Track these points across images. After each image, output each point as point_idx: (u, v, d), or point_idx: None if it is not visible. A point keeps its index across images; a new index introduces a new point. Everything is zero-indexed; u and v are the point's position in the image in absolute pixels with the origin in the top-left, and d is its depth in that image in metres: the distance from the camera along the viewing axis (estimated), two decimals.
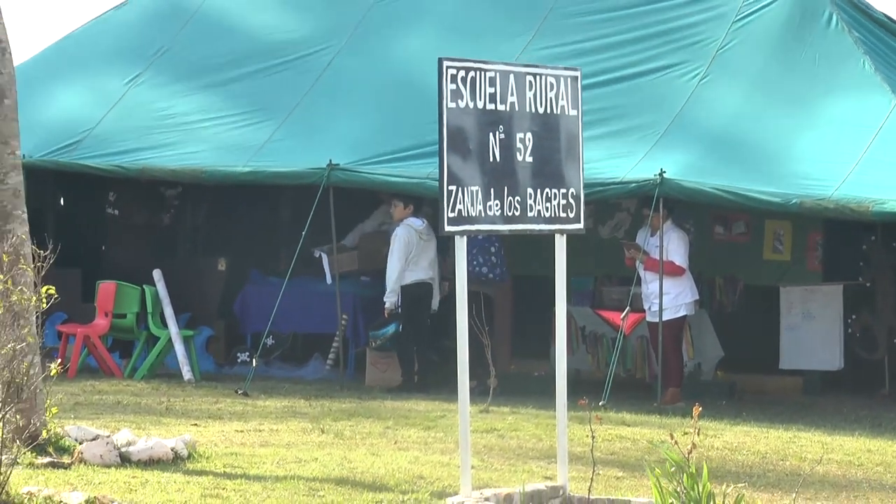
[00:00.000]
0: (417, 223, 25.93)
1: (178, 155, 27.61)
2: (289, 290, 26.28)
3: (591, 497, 15.03)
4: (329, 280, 27.44)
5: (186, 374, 27.08)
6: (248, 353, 26.97)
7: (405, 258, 26.16)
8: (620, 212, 26.32)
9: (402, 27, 28.31)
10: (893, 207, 23.58)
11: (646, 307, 25.25)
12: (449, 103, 14.86)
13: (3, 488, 14.73)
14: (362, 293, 27.55)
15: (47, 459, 17.22)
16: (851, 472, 18.28)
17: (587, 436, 15.38)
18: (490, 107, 15.20)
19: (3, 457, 14.96)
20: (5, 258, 17.09)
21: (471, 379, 15.79)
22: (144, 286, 28.03)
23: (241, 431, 20.36)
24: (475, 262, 25.60)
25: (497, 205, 15.27)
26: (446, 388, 17.15)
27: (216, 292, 29.13)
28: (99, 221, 28.94)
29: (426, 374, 25.13)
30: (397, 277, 26.29)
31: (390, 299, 26.39)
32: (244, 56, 29.24)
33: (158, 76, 29.18)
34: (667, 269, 25.08)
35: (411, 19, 28.36)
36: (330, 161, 26.05)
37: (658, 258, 25.07)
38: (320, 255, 27.43)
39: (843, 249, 27.57)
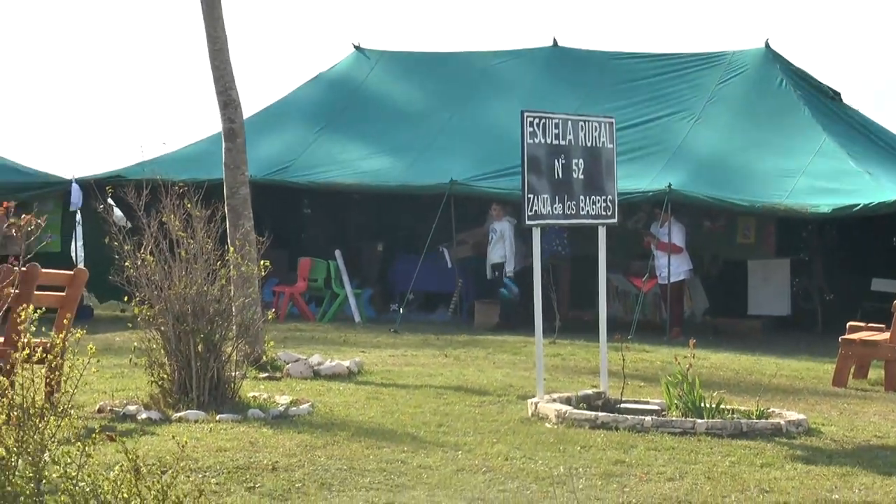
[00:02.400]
0: (512, 220, 25.94)
1: (350, 174, 27.78)
2: (423, 263, 26.40)
3: (623, 398, 15.09)
4: (449, 266, 27.54)
5: (356, 318, 27.20)
6: (397, 305, 27.03)
7: (511, 243, 26.27)
8: (640, 211, 26.28)
9: (495, 92, 28.39)
10: (823, 209, 23.68)
11: (658, 274, 25.23)
12: (528, 140, 14.99)
13: (236, 393, 14.85)
14: (471, 266, 27.57)
15: (265, 374, 17.35)
16: (796, 384, 18.23)
17: (620, 359, 15.37)
18: (555, 142, 15.31)
19: (237, 372, 15.09)
20: (237, 243, 17.27)
21: (543, 321, 15.86)
22: (329, 261, 28.22)
23: (392, 356, 20.41)
24: (553, 243, 25.71)
25: (560, 207, 15.38)
26: (527, 327, 17.15)
27: (375, 265, 29.23)
28: (298, 218, 29.02)
29: (514, 318, 25.12)
30: (513, 255, 26.39)
31: (509, 267, 26.46)
32: (391, 114, 29.36)
33: (334, 127, 29.29)
34: (671, 249, 25.14)
35: (502, 87, 28.43)
36: (451, 179, 26.16)
37: (665, 242, 25.13)
38: (443, 250, 27.53)
39: (789, 236, 27.51)
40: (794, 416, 14.27)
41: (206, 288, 14.84)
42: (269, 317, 17.13)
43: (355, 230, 29.14)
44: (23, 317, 7.01)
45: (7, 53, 68.33)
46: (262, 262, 16.46)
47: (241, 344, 15.63)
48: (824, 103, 27.27)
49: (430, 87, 30.26)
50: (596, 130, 15.89)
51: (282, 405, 14.68)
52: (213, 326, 14.83)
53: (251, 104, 23.21)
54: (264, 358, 17.57)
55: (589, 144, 15.75)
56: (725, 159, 25.95)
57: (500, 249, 26.61)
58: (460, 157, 27.07)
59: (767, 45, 28.03)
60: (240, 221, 18.76)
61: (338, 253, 28.09)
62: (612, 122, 16.34)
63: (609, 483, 11.24)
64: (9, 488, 5.50)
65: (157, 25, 68.83)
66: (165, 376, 14.73)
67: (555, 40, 30.03)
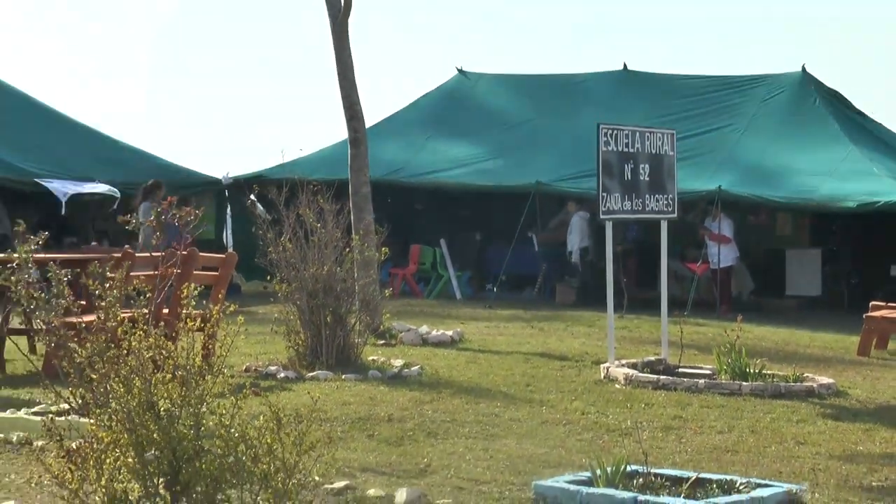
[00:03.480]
0: (586, 214, 25.88)
1: (453, 175, 27.83)
2: (513, 250, 26.42)
3: (680, 364, 15.02)
4: (537, 249, 27.52)
5: (458, 296, 27.24)
6: (491, 285, 27.03)
7: (585, 233, 26.26)
8: (696, 208, 26.11)
9: (574, 107, 28.28)
10: (850, 205, 23.48)
11: (709, 260, 25.11)
12: (603, 148, 14.96)
13: (359, 356, 14.92)
14: (552, 252, 27.50)
15: (382, 342, 17.38)
16: (826, 353, 18.06)
17: (678, 331, 15.30)
18: (625, 150, 15.27)
19: (359, 339, 15.15)
20: (360, 232, 17.33)
21: (613, 299, 15.82)
22: (435, 248, 28.29)
23: (487, 327, 20.41)
24: (626, 232, 25.69)
25: (628, 203, 15.33)
26: (601, 303, 17.11)
27: (473, 251, 29.21)
28: (410, 211, 29.08)
29: (589, 297, 25.05)
30: (580, 243, 26.41)
31: (576, 256, 26.50)
32: (487, 126, 29.39)
33: (440, 136, 29.34)
34: (721, 240, 25.02)
35: (580, 104, 28.32)
36: (537, 180, 26.17)
37: (716, 233, 25.01)
38: (532, 236, 27.51)
39: (821, 229, 27.28)
40: (824, 380, 14.16)
41: (334, 269, 14.96)
42: (386, 294, 17.23)
43: (457, 222, 29.12)
44: (185, 293, 7.07)
45: (173, 71, 68.86)
46: (381, 249, 16.57)
47: (362, 316, 15.69)
48: (852, 119, 27.07)
49: (520, 103, 30.32)
50: (659, 140, 15.84)
51: (396, 367, 14.73)
52: (339, 301, 14.94)
53: (372, 115, 23.34)
54: (382, 328, 17.64)
55: (653, 152, 15.70)
56: (767, 164, 25.76)
57: (575, 239, 26.63)
58: (544, 161, 27.05)
59: (804, 70, 27.81)
60: (362, 215, 18.85)
61: (442, 241, 28.19)
62: (672, 134, 16.29)
63: (668, 434, 11.22)
64: (174, 433, 5.56)
65: (294, 47, 69.12)
66: (300, 342, 14.85)
67: (625, 65, 30.00)
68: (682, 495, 8.33)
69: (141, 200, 22.35)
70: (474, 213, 28.93)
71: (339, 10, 19.51)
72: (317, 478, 7.30)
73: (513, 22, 67.57)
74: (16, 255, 12.27)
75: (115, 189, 26.39)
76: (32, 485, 8.16)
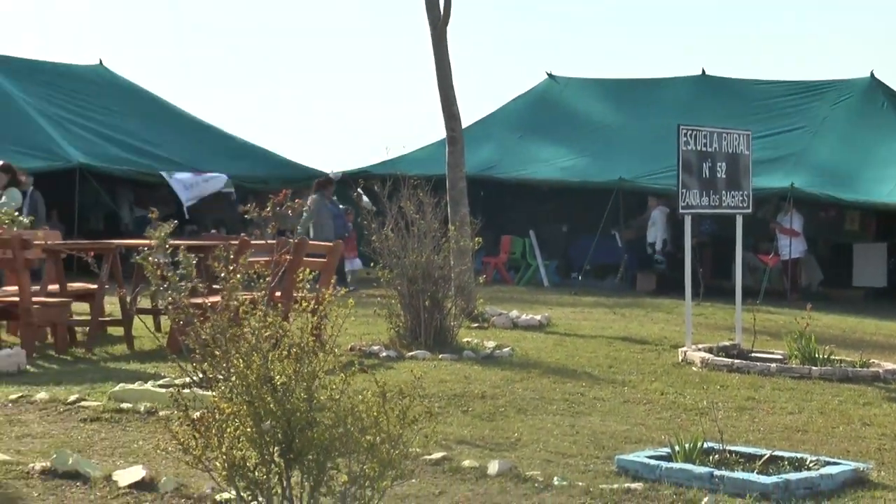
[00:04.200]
0: (665, 209, 25.76)
1: (542, 172, 27.86)
2: (597, 241, 26.41)
3: (753, 349, 14.91)
4: (618, 244, 27.44)
5: (545, 283, 27.21)
6: (576, 274, 26.98)
7: (664, 226, 26.18)
8: (769, 204, 25.87)
9: (656, 109, 28.13)
10: None
11: (781, 253, 24.93)
12: (682, 147, 14.88)
13: (454, 338, 14.94)
14: (634, 244, 27.40)
15: (476, 324, 17.39)
16: (891, 341, 17.85)
17: (751, 318, 15.20)
18: (703, 149, 15.17)
19: (455, 322, 15.18)
20: (456, 224, 17.36)
21: (691, 288, 15.74)
22: (525, 238, 28.30)
23: (573, 312, 20.38)
24: (702, 226, 25.54)
25: (706, 199, 15.24)
26: (679, 292, 17.05)
27: (560, 242, 29.16)
28: (502, 205, 29.09)
29: (668, 285, 24.94)
30: (660, 235, 26.32)
31: (658, 247, 26.42)
32: (573, 126, 29.38)
33: (530, 135, 29.36)
34: (791, 233, 24.82)
35: (661, 106, 28.17)
36: (620, 177, 26.10)
37: (787, 228, 24.81)
38: (615, 233, 27.45)
39: (886, 225, 26.95)
40: (889, 365, 13.98)
41: (432, 258, 14.99)
42: (480, 281, 17.24)
43: (545, 215, 29.09)
44: (298, 277, 7.14)
45: (286, 75, 69.33)
46: (475, 239, 16.60)
47: (458, 301, 15.74)
48: None
49: (604, 105, 30.27)
50: (736, 140, 15.71)
51: (489, 348, 14.75)
52: (437, 287, 14.97)
53: (468, 115, 23.40)
54: (475, 312, 17.67)
55: (730, 151, 15.57)
56: (836, 164, 25.48)
57: (655, 232, 26.54)
58: (627, 159, 26.96)
59: (872, 75, 27.48)
60: (458, 207, 18.87)
61: (532, 232, 28.19)
62: (748, 135, 16.16)
63: (742, 414, 11.14)
64: (288, 406, 5.60)
65: (397, 52, 69.46)
66: (401, 324, 14.91)
67: (703, 70, 29.84)
68: (756, 471, 8.28)
69: (312, 192, 22.92)
70: (561, 207, 28.88)
71: (439, 18, 19.59)
72: (417, 449, 7.36)
73: (599, 28, 67.41)
74: (143, 241, 12.45)
75: (231, 187, 26.76)
76: (159, 451, 8.28)
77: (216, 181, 27.07)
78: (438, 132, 24.29)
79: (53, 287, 15.24)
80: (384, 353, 14.26)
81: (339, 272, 18.14)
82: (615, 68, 73.14)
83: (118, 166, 26.81)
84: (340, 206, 24.05)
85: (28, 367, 12.70)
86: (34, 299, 14.00)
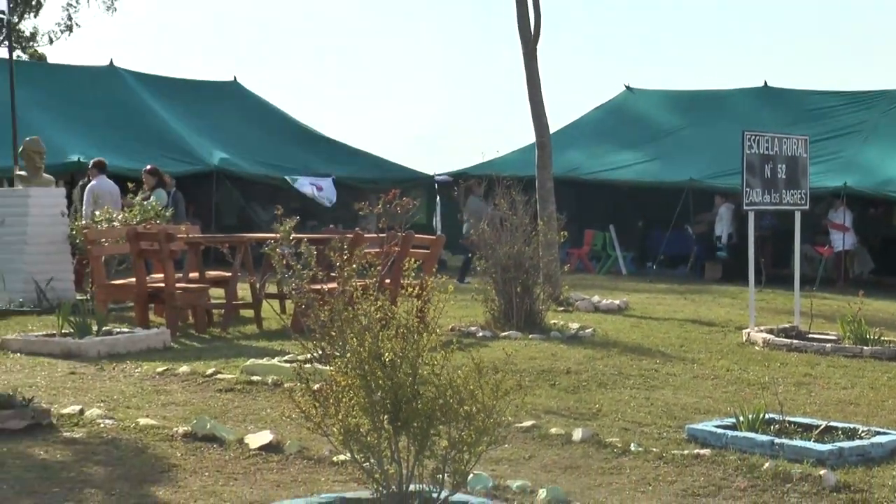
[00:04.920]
0: (731, 206, 25.46)
1: (621, 173, 27.71)
2: (670, 234, 26.17)
3: (810, 331, 14.68)
4: (691, 239, 27.16)
5: (623, 272, 27.03)
6: (651, 263, 26.79)
7: (730, 221, 25.87)
8: (824, 201, 25.44)
9: (722, 116, 27.83)
10: None
11: (834, 245, 24.60)
12: (747, 150, 14.69)
13: (542, 320, 14.90)
14: (703, 236, 27.11)
15: (561, 308, 17.33)
16: None
17: (808, 303, 14.99)
18: (765, 152, 14.97)
19: (543, 306, 15.13)
20: (544, 219, 17.29)
21: (754, 276, 15.55)
22: (605, 232, 28.16)
23: (648, 298, 20.20)
24: (764, 221, 25.25)
25: (768, 197, 15.04)
26: (743, 279, 16.85)
27: (637, 235, 28.94)
28: (585, 202, 28.90)
29: (733, 273, 24.66)
30: (726, 229, 26.01)
31: (724, 239, 26.14)
32: (648, 132, 29.21)
33: (610, 141, 29.15)
34: (841, 228, 24.48)
35: (727, 113, 27.88)
36: (690, 177, 25.87)
37: (839, 223, 24.47)
38: (687, 227, 27.18)
39: None
40: None
41: (523, 249, 14.96)
42: (565, 269, 17.18)
43: (623, 211, 28.88)
44: (405, 266, 7.16)
45: (394, 86, 69.67)
46: (560, 233, 16.54)
47: (545, 287, 15.69)
48: None
49: (677, 113, 29.99)
50: (795, 144, 15.48)
51: (573, 329, 14.68)
52: (527, 275, 14.94)
53: (555, 122, 23.27)
54: (561, 297, 17.59)
55: (789, 154, 15.35)
56: (885, 166, 25.01)
57: (722, 226, 26.24)
58: (696, 162, 26.71)
59: None
60: (546, 205, 18.80)
61: (611, 227, 28.03)
62: (806, 139, 15.91)
63: (800, 389, 10.98)
64: (396, 379, 5.62)
65: (491, 65, 69.53)
66: (495, 308, 14.90)
67: (765, 82, 29.48)
68: (813, 439, 8.17)
69: (466, 195, 22.87)
70: (637, 204, 28.66)
71: (530, 37, 19.57)
72: (509, 418, 7.35)
73: (671, 45, 66.85)
74: (270, 235, 12.57)
75: (332, 192, 27.09)
76: (284, 418, 8.37)
77: (328, 183, 27.42)
78: (528, 137, 24.24)
79: (194, 274, 15.45)
80: (480, 334, 14.26)
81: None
82: (686, 80, 72.59)
83: (249, 169, 27.15)
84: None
85: (172, 344, 12.90)
86: (177, 285, 14.21)
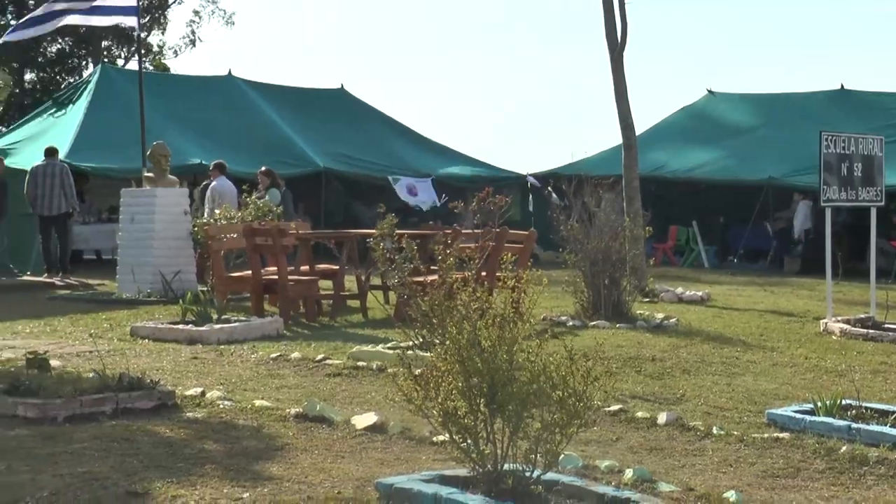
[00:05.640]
0: (809, 202, 25.04)
1: (702, 172, 27.43)
2: (750, 229, 25.91)
3: (886, 321, 14.37)
4: (770, 234, 26.75)
5: (706, 265, 26.71)
6: (732, 257, 26.51)
7: (808, 217, 25.44)
8: None
9: (800, 118, 27.39)
10: None
11: None
12: (824, 150, 14.45)
13: (629, 310, 14.78)
14: (782, 232, 26.71)
15: (647, 299, 17.15)
16: None
17: (884, 295, 14.69)
18: (842, 152, 14.71)
19: (629, 297, 15.00)
20: (631, 216, 17.15)
21: (831, 269, 15.29)
22: (688, 227, 27.85)
23: (729, 289, 19.94)
24: (840, 216, 24.77)
25: (844, 194, 14.78)
26: (820, 272, 16.56)
27: (718, 230, 28.57)
28: (669, 199, 28.59)
29: (811, 266, 24.24)
30: (803, 225, 25.60)
31: (800, 235, 25.72)
32: (729, 132, 28.86)
33: (692, 141, 28.82)
34: None
35: (805, 115, 27.43)
36: (769, 175, 25.53)
37: None
38: (766, 224, 26.79)
39: None
40: None
41: (611, 244, 14.86)
42: (650, 263, 17.02)
43: (705, 208, 28.51)
44: (501, 260, 7.15)
45: (495, 90, 69.69)
46: (646, 228, 16.39)
47: (632, 279, 15.56)
48: None
49: (757, 115, 29.61)
50: (870, 144, 15.17)
51: (658, 319, 14.55)
52: (614, 268, 14.84)
53: (641, 124, 23.01)
54: (647, 289, 17.42)
55: (865, 153, 15.04)
56: None
57: (800, 222, 25.81)
58: (775, 160, 26.35)
59: None
60: (632, 202, 18.66)
61: (694, 222, 27.71)
62: (881, 139, 15.58)
63: (876, 377, 10.76)
64: (493, 365, 5.61)
65: (580, 72, 69.22)
66: (584, 299, 14.82)
67: (842, 85, 28.97)
68: (889, 424, 8.00)
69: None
70: (719, 201, 28.29)
71: (616, 45, 19.45)
72: (598, 402, 7.29)
73: (752, 48, 65.90)
74: (374, 231, 12.63)
75: (430, 194, 27.14)
76: (388, 400, 8.41)
77: (427, 185, 27.57)
78: (615, 139, 24.08)
79: (304, 267, 15.59)
80: (571, 323, 14.20)
81: None
82: (766, 84, 71.55)
83: (353, 170, 27.37)
84: None
85: (285, 331, 13.03)
86: (289, 277, 14.35)
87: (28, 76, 42.85)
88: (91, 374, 8.80)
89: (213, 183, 19.58)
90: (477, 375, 5.68)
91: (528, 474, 5.68)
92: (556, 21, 74.97)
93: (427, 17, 76.84)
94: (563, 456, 6.03)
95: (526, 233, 15.75)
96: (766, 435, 7.86)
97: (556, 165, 29.34)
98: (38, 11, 20.39)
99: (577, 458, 6.82)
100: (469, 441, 5.74)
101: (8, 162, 22.01)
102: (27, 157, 22.54)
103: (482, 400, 5.69)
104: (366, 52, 72.35)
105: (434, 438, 7.26)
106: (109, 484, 6.12)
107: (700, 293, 18.08)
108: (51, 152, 20.43)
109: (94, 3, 19.60)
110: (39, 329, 13.43)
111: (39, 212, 19.89)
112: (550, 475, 5.81)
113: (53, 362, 9.71)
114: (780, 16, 69.77)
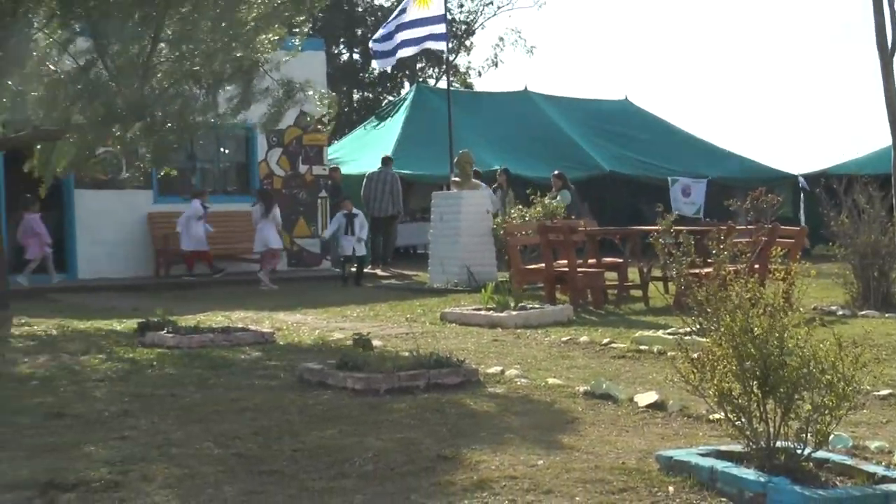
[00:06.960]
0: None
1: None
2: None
3: None
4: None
5: None
6: None
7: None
8: None
9: None
10: None
11: None
12: None
13: None
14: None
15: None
16: None
17: None
18: None
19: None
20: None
21: None
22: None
23: None
24: None
25: None
26: None
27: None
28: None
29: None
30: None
31: None
32: None
33: None
34: None
35: None
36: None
37: None
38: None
39: None
40: None
41: (880, 238, 14.08)
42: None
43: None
44: (772, 254, 6.92)
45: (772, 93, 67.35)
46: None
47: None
48: None
49: None
50: None
51: None
52: (883, 261, 14.05)
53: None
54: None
55: None
56: None
57: None
58: None
59: None
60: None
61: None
62: None
63: None
64: (765, 351, 5.44)
65: (853, 74, 65.81)
66: (854, 290, 14.12)
67: None
68: None
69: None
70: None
71: (887, 49, 18.39)
72: (867, 386, 6.91)
73: None
74: (655, 228, 12.50)
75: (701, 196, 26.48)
76: (667, 381, 8.29)
77: (700, 188, 27.01)
78: (885, 139, 22.72)
79: (592, 260, 15.60)
80: (840, 312, 13.52)
81: None
82: None
83: (635, 173, 27.13)
84: None
85: (574, 318, 13.08)
86: (578, 269, 14.40)
87: (356, 96, 44.96)
88: (407, 353, 9.14)
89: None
90: (750, 360, 5.53)
91: (799, 452, 5.48)
92: (827, 22, 71.56)
93: (699, 22, 75.03)
94: (832, 436, 5.77)
95: (797, 229, 15.14)
96: None
97: (827, 165, 28.00)
98: (384, 40, 21.62)
99: (847, 438, 6.50)
100: (743, 419, 5.60)
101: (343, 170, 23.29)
102: (356, 166, 23.77)
103: (755, 382, 5.54)
104: (650, 66, 71.48)
105: (710, 416, 7.10)
106: (423, 448, 6.33)
107: None
108: (386, 161, 21.44)
109: (417, 35, 20.55)
110: (364, 313, 14.09)
111: (371, 213, 20.85)
112: (821, 453, 5.58)
113: (375, 342, 10.20)
114: None
